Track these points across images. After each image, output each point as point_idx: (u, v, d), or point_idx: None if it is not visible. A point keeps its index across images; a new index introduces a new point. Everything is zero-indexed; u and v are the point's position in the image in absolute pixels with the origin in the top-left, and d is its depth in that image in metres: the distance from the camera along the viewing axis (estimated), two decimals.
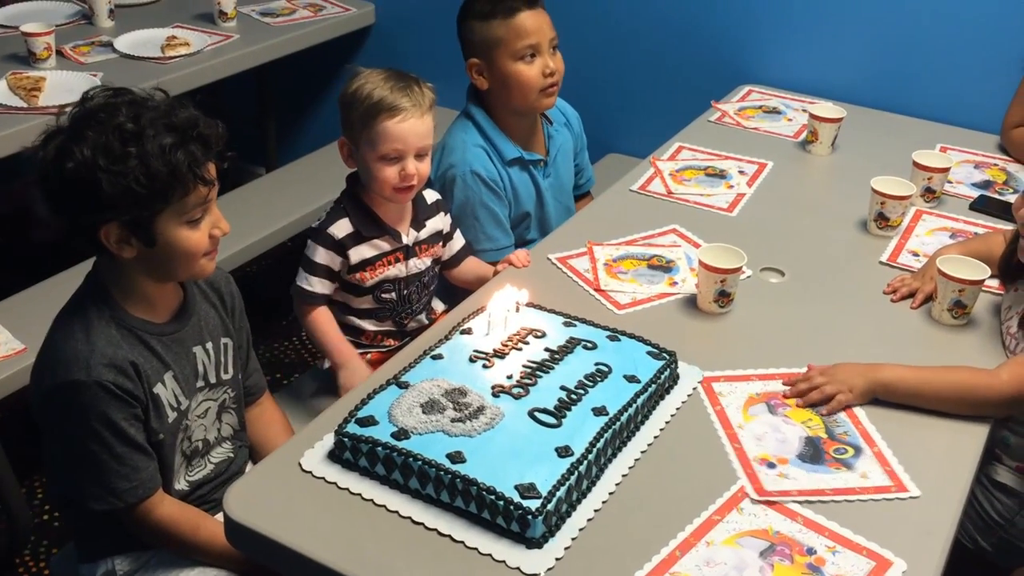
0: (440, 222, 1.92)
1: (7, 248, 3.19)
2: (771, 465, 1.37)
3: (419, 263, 1.88)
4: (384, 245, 1.83)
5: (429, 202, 1.91)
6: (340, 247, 1.80)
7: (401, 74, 1.77)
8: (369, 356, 1.90)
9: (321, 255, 1.80)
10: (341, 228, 1.80)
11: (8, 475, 2.14)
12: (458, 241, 1.97)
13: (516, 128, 2.12)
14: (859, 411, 1.48)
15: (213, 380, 1.56)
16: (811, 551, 1.23)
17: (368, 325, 1.90)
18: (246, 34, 2.86)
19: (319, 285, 1.82)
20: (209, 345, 1.55)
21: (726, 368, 1.56)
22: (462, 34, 2.09)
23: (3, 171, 3.14)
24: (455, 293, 2.10)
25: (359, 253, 1.81)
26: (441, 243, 1.93)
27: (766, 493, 1.32)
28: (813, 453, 1.40)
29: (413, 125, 1.73)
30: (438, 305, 2.02)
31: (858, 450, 1.41)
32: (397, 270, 1.85)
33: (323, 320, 1.85)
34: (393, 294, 1.86)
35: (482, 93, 2.10)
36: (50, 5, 2.95)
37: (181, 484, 1.54)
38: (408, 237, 1.85)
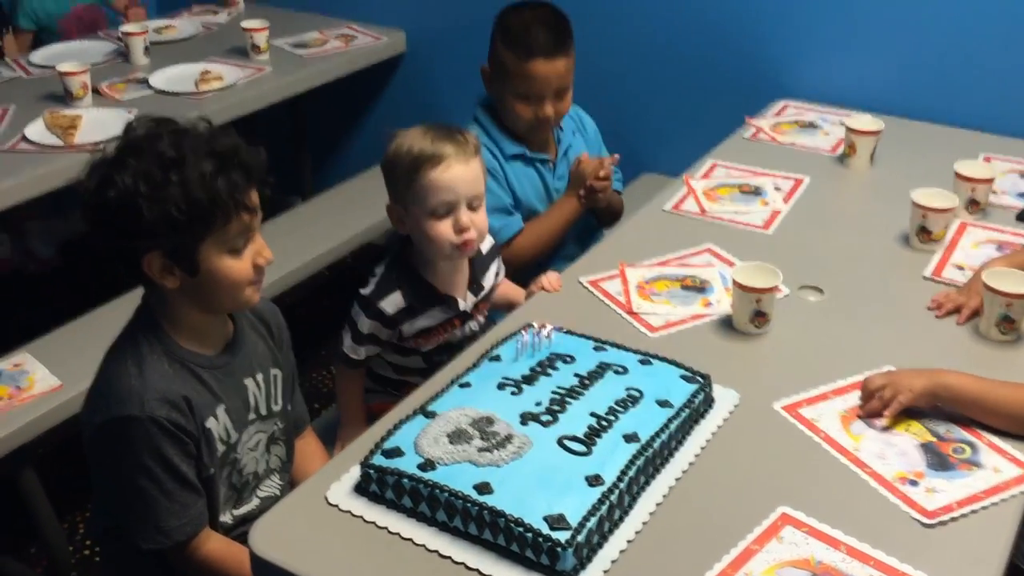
0: (495, 268, 1.85)
1: (44, 284, 3.24)
2: (913, 483, 1.33)
3: (475, 324, 1.81)
4: (440, 315, 1.74)
5: (484, 252, 1.82)
6: (392, 322, 1.71)
7: (441, 125, 1.67)
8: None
9: (368, 326, 1.71)
10: (392, 303, 1.69)
11: (48, 512, 2.15)
12: (501, 274, 1.92)
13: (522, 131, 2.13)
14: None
15: (264, 412, 1.55)
16: None
17: (412, 379, 1.80)
18: (279, 66, 2.88)
19: (364, 352, 1.75)
20: (259, 376, 1.54)
21: (766, 393, 1.51)
22: (492, 33, 2.09)
23: (44, 208, 3.21)
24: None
25: (414, 326, 1.73)
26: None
27: (933, 514, 1.28)
28: (939, 460, 1.37)
29: (460, 172, 1.62)
30: None
31: (973, 446, 1.39)
32: (451, 335, 1.78)
33: (355, 386, 1.81)
34: (446, 356, 1.75)
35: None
36: (87, 44, 3.01)
37: (226, 517, 1.52)
38: (466, 302, 1.77)
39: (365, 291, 1.72)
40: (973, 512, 1.28)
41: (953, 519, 1.27)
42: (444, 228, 1.64)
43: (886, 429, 1.42)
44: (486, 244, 1.83)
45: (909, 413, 1.44)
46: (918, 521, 1.27)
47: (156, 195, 1.29)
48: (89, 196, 1.33)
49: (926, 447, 1.39)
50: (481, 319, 1.84)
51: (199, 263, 1.35)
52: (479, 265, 1.80)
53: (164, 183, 1.29)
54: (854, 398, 1.49)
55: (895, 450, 1.39)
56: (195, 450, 1.41)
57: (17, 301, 3.14)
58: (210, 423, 1.43)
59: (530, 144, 2.13)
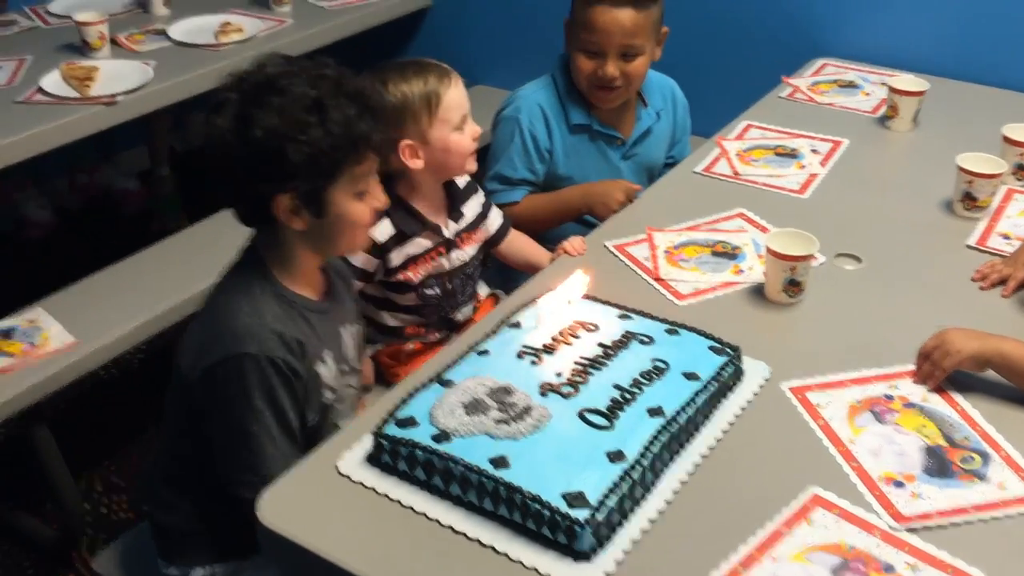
0: (476, 203, 1.86)
1: (70, 240, 3.22)
2: (899, 484, 1.24)
3: (462, 254, 1.81)
4: (426, 242, 1.76)
5: (462, 186, 1.84)
6: (381, 251, 1.73)
7: (413, 63, 1.72)
8: (411, 346, 1.83)
9: (359, 259, 1.73)
10: (382, 231, 1.72)
11: (62, 470, 2.13)
12: (495, 219, 1.90)
13: None
14: (974, 412, 1.36)
15: (356, 365, 1.53)
16: (889, 568, 1.12)
17: (413, 321, 1.83)
18: (300, 18, 2.81)
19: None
20: (351, 328, 1.53)
21: (799, 366, 1.44)
22: None
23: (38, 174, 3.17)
24: (509, 279, 2.03)
25: (403, 253, 1.74)
26: (482, 224, 1.86)
27: (905, 519, 1.18)
28: (939, 466, 1.27)
29: (461, 87, 1.73)
30: (483, 289, 1.95)
31: (985, 456, 1.28)
32: (439, 265, 1.78)
33: None
34: (437, 289, 1.80)
35: None
36: None
37: None
38: (448, 230, 1.78)
39: None
40: (954, 525, 1.18)
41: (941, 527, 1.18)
42: (465, 139, 1.73)
43: (899, 427, 1.34)
44: (462, 179, 1.85)
45: (929, 416, 1.35)
46: (887, 524, 1.18)
47: (302, 137, 1.28)
48: (223, 135, 1.30)
49: (931, 451, 1.29)
50: (470, 251, 1.83)
51: (328, 205, 1.34)
52: (456, 195, 1.82)
53: (308, 125, 1.28)
54: (874, 389, 1.40)
55: (894, 448, 1.30)
56: (304, 398, 1.39)
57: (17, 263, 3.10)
58: (319, 367, 1.41)
59: (600, 115, 2.04)
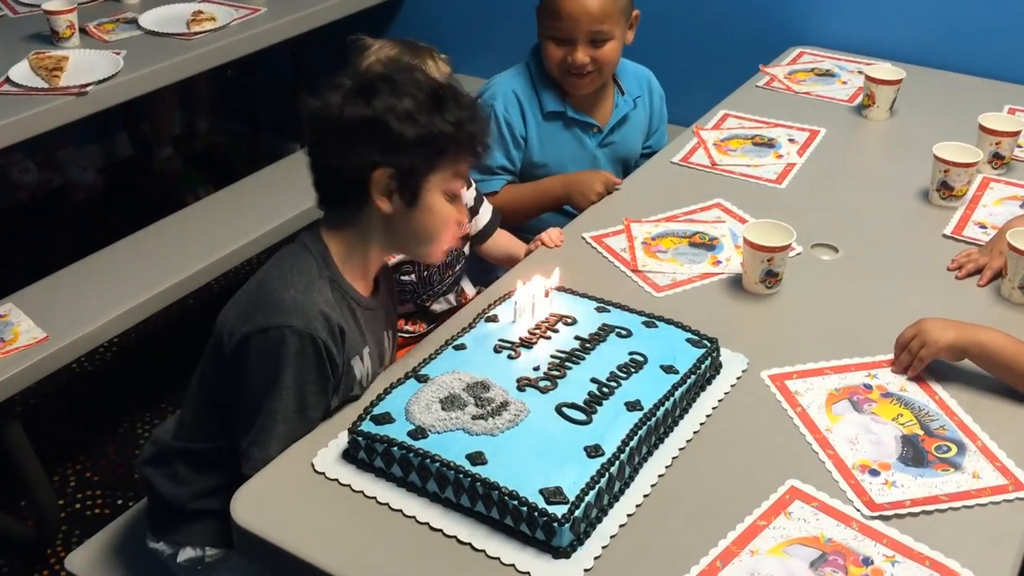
0: (468, 196, 1.82)
1: (31, 236, 3.18)
2: (874, 472, 1.24)
3: None
4: None
5: None
6: None
7: (411, 44, 1.68)
8: None
9: None
10: None
11: (35, 467, 2.10)
12: (485, 215, 1.87)
13: None
14: (951, 402, 1.36)
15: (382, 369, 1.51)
16: (867, 561, 1.12)
17: None
18: (274, 6, 2.76)
19: None
20: (390, 333, 1.53)
21: (778, 358, 1.44)
22: None
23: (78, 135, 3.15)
24: (487, 271, 2.02)
25: None
26: (467, 219, 1.83)
27: (878, 507, 1.19)
28: (915, 454, 1.27)
29: None
30: (469, 288, 1.92)
31: (961, 446, 1.29)
32: None
33: None
34: (412, 276, 1.78)
35: None
36: None
37: None
38: None
39: None
40: (926, 514, 1.19)
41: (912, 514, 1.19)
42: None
43: (876, 416, 1.34)
44: None
45: (907, 405, 1.36)
46: (859, 511, 1.18)
47: (416, 116, 1.32)
48: (340, 105, 1.33)
49: (907, 439, 1.30)
50: None
51: (421, 194, 1.36)
52: None
53: (424, 109, 1.33)
54: (853, 378, 1.41)
55: (871, 437, 1.30)
56: (335, 385, 1.37)
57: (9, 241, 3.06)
58: (355, 362, 1.40)
59: (574, 102, 2.03)
